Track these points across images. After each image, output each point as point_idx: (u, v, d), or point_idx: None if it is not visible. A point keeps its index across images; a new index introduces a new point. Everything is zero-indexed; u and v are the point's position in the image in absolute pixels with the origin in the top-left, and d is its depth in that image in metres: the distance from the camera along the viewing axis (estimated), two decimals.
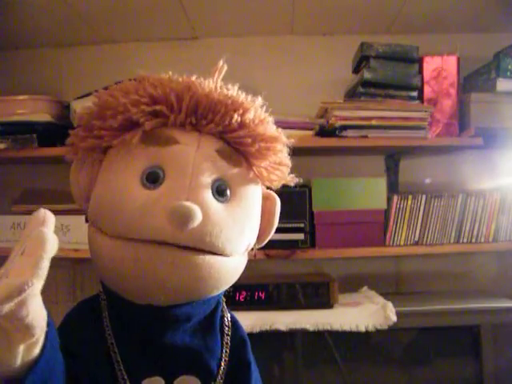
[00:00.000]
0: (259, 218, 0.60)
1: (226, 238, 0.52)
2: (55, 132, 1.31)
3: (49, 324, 0.41)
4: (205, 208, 0.50)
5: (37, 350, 0.41)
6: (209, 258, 0.51)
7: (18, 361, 0.39)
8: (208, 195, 0.52)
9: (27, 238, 0.38)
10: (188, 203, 0.49)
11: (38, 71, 1.58)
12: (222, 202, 0.54)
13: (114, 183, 0.53)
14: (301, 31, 1.56)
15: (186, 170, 0.52)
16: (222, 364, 0.59)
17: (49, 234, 0.39)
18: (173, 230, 0.48)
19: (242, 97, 0.55)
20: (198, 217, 0.49)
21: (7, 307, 0.35)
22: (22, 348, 0.39)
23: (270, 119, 0.58)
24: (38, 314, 0.38)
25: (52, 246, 0.38)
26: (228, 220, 0.53)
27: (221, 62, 0.58)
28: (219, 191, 0.54)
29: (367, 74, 1.31)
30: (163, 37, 1.57)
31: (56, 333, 0.45)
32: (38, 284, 0.37)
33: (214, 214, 0.51)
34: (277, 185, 0.62)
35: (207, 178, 0.53)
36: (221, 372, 0.59)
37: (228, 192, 0.55)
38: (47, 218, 0.41)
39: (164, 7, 1.36)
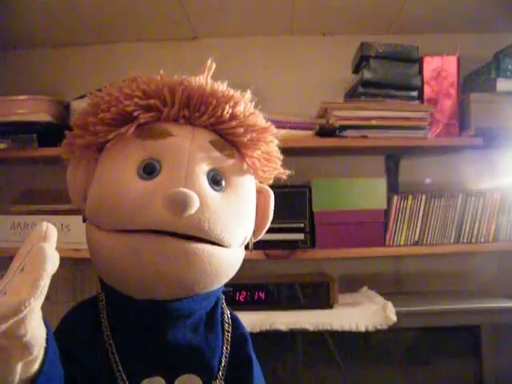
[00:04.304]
0: (254, 210, 0.60)
1: (223, 225, 0.52)
2: (55, 132, 1.31)
3: (47, 337, 0.41)
4: (202, 195, 0.51)
5: (36, 366, 0.41)
6: (208, 248, 0.51)
7: (17, 378, 0.39)
8: (204, 184, 0.53)
9: (27, 254, 0.37)
10: (185, 189, 0.49)
11: (38, 71, 1.58)
12: (217, 191, 0.54)
13: (111, 177, 0.53)
14: (301, 31, 1.55)
15: (181, 160, 0.53)
16: (223, 361, 0.59)
17: (50, 250, 0.37)
18: (171, 217, 0.49)
19: (232, 91, 0.57)
20: (196, 202, 0.49)
21: (3, 326, 0.34)
22: (20, 365, 0.39)
23: (260, 113, 0.59)
24: (36, 332, 0.38)
25: (53, 263, 0.37)
26: (225, 208, 0.53)
27: (209, 61, 0.59)
28: (215, 181, 0.54)
29: (367, 74, 1.31)
30: (163, 37, 1.57)
31: (55, 346, 0.44)
32: (37, 302, 0.36)
33: (211, 202, 0.52)
34: (270, 176, 0.63)
35: (203, 168, 0.53)
36: (221, 369, 0.59)
37: (223, 182, 0.55)
38: (49, 233, 0.39)
39: (164, 7, 1.36)
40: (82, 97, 1.30)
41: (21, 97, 1.31)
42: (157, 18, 1.44)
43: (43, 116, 1.29)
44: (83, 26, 1.46)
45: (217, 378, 0.58)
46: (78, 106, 1.27)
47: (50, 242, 0.39)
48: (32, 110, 1.29)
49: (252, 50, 1.57)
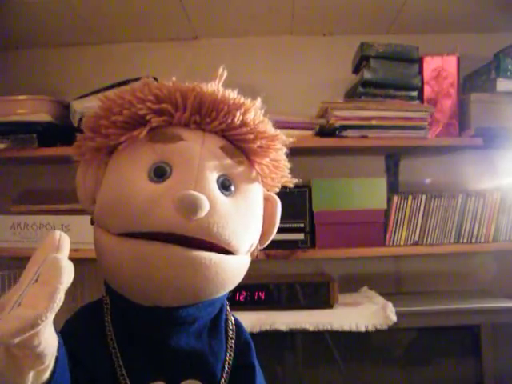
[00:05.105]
0: (262, 217, 0.61)
1: (232, 230, 0.52)
2: (55, 132, 1.31)
3: (58, 345, 0.41)
4: (212, 199, 0.51)
5: (47, 375, 0.41)
6: (216, 257, 0.51)
7: None
8: (214, 188, 0.53)
9: (42, 264, 0.37)
10: (196, 192, 0.50)
11: (38, 71, 1.58)
12: (227, 196, 0.54)
13: (121, 179, 0.53)
14: (301, 31, 1.55)
15: (192, 164, 0.53)
16: (226, 368, 0.59)
17: (65, 261, 0.37)
18: (180, 220, 0.49)
19: (243, 98, 0.57)
20: (206, 205, 0.49)
21: (18, 339, 0.34)
22: (32, 374, 0.39)
23: (269, 121, 0.60)
24: (49, 343, 0.38)
25: (68, 275, 0.37)
26: (234, 213, 0.53)
27: (221, 69, 0.60)
28: (224, 186, 0.55)
29: (367, 74, 1.31)
30: (163, 37, 1.57)
31: (65, 353, 0.44)
32: (52, 316, 0.36)
33: (220, 206, 0.52)
34: (277, 184, 0.64)
35: (213, 173, 0.54)
36: (224, 376, 0.59)
37: (232, 188, 0.55)
38: (62, 242, 0.39)
39: (164, 7, 1.36)
40: (81, 97, 1.30)
41: (21, 97, 1.31)
42: (157, 18, 1.44)
43: (43, 116, 1.29)
44: (83, 26, 1.46)
45: None
46: (78, 105, 1.27)
47: (63, 252, 0.39)
48: (32, 109, 1.29)
49: (252, 50, 1.57)
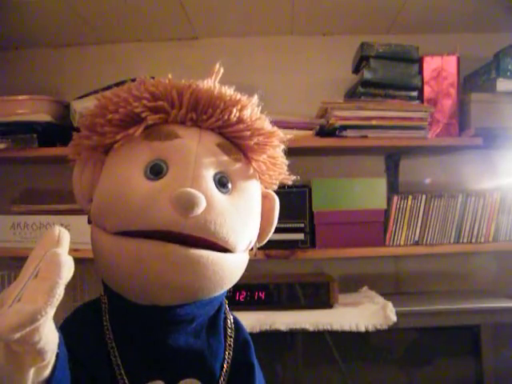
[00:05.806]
0: (260, 215, 0.60)
1: (230, 227, 0.52)
2: (55, 132, 1.31)
3: (58, 342, 0.41)
4: (208, 197, 0.51)
5: (47, 371, 0.41)
6: (213, 256, 0.51)
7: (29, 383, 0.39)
8: (211, 185, 0.53)
9: (42, 260, 0.37)
10: (192, 189, 0.49)
11: (38, 71, 1.58)
12: (224, 193, 0.54)
13: (118, 177, 0.53)
14: (301, 31, 1.55)
15: (188, 162, 0.53)
16: (225, 366, 0.59)
17: (64, 256, 0.37)
18: (177, 217, 0.49)
19: (239, 95, 0.57)
20: (203, 202, 0.49)
21: (19, 334, 0.34)
22: (32, 371, 0.39)
23: (266, 117, 0.59)
24: (49, 338, 0.38)
25: (68, 270, 0.37)
26: (231, 210, 0.53)
27: (217, 66, 0.59)
28: (221, 183, 0.54)
29: (367, 74, 1.31)
30: (163, 37, 1.57)
31: (65, 350, 0.44)
32: (52, 311, 0.36)
33: (217, 203, 0.52)
34: (275, 181, 0.63)
35: (209, 171, 0.53)
36: (223, 375, 0.59)
37: (229, 185, 0.55)
38: (62, 237, 0.39)
39: (164, 7, 1.36)
40: (81, 97, 1.30)
41: (21, 97, 1.31)
42: (157, 18, 1.44)
43: (43, 116, 1.29)
44: (84, 26, 1.46)
45: (218, 383, 0.58)
46: (78, 105, 1.27)
47: (63, 248, 0.39)
48: (32, 109, 1.29)
49: (252, 50, 1.57)
